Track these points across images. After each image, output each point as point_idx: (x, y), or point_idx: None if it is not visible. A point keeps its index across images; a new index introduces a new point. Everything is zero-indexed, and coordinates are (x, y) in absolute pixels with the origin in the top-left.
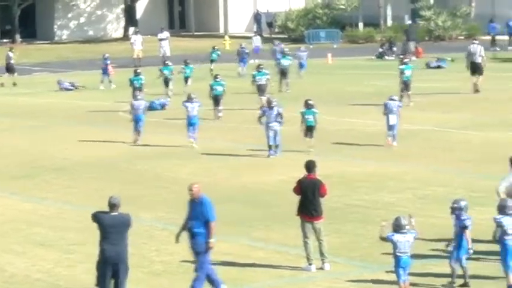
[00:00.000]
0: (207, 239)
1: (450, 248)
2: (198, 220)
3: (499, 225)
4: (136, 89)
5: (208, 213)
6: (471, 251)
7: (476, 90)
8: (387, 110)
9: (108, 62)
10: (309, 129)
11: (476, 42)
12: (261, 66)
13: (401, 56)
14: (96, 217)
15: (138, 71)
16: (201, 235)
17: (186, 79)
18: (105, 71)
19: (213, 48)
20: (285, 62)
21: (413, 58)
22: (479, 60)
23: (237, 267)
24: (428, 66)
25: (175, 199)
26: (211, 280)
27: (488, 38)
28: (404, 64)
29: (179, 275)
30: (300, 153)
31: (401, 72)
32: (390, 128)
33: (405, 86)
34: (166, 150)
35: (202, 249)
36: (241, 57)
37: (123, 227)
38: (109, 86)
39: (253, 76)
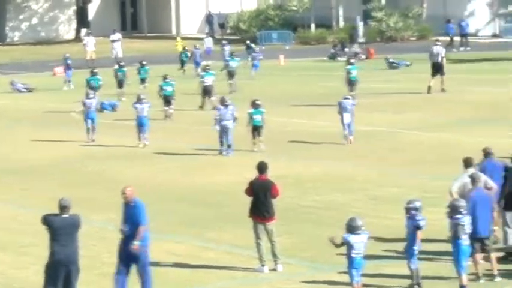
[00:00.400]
0: (142, 242)
1: (406, 249)
2: (131, 224)
3: (458, 224)
4: (93, 89)
5: (140, 216)
6: (415, 252)
7: (443, 90)
8: (341, 109)
9: (69, 62)
10: (256, 129)
11: (439, 43)
12: (208, 67)
13: (349, 57)
14: (46, 220)
15: (95, 71)
16: (133, 239)
17: (142, 80)
18: (67, 71)
19: (183, 49)
20: (233, 63)
21: (362, 57)
22: (440, 60)
23: (188, 268)
24: (388, 62)
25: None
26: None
27: (443, 38)
28: (351, 64)
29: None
30: (252, 154)
31: (348, 72)
32: (345, 126)
33: (351, 86)
34: (117, 151)
35: (135, 253)
36: (195, 58)
37: (73, 229)
38: (69, 86)
39: (201, 77)
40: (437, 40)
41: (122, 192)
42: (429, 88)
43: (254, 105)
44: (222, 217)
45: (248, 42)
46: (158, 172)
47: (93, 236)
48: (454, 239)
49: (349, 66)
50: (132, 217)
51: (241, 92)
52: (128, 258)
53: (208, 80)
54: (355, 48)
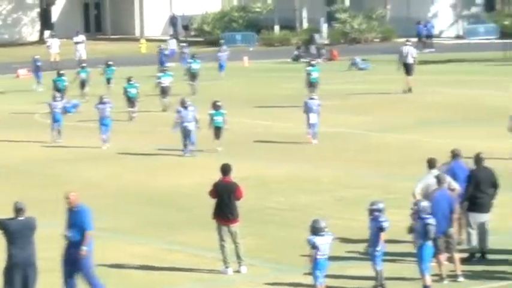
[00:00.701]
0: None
1: (370, 251)
2: (75, 229)
3: (428, 224)
4: (59, 90)
5: (85, 222)
6: (379, 253)
7: (409, 90)
8: (307, 109)
9: (39, 64)
10: (218, 130)
11: (409, 43)
12: (165, 69)
13: (310, 59)
14: (1, 224)
15: (62, 72)
16: (78, 244)
17: (108, 81)
18: (37, 73)
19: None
20: (195, 65)
21: (318, 60)
22: (411, 61)
23: (153, 270)
24: (353, 63)
25: (88, 202)
26: None
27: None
28: (312, 66)
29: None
30: (216, 155)
31: (308, 73)
32: (310, 126)
33: (312, 87)
34: (81, 152)
35: (79, 258)
36: (161, 59)
37: (29, 231)
38: (38, 88)
39: (158, 78)
40: (407, 40)
41: (65, 197)
42: (409, 88)
43: (215, 106)
44: (186, 219)
45: None
46: (122, 173)
47: (53, 238)
48: (424, 239)
49: (309, 68)
50: (76, 222)
51: (205, 94)
52: (72, 263)
53: (166, 81)
54: (313, 50)
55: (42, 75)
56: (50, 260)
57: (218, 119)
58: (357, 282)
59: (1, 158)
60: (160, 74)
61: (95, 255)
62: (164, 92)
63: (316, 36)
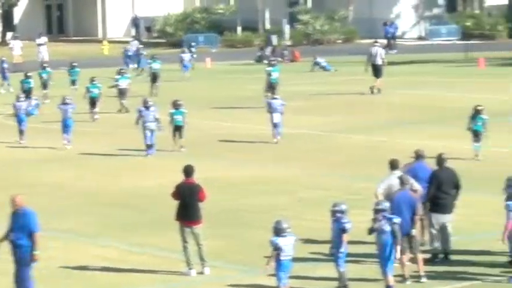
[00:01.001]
0: (31, 251)
1: (333, 252)
2: (21, 232)
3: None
4: (25, 91)
5: (31, 224)
6: (341, 254)
7: (378, 91)
8: (271, 109)
9: (5, 65)
10: (178, 129)
11: (378, 44)
12: (123, 71)
13: (270, 59)
14: None
15: (29, 74)
16: (24, 247)
17: (72, 82)
18: (3, 75)
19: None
20: (155, 65)
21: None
22: (379, 62)
23: (116, 272)
24: (315, 63)
25: (51, 204)
26: None
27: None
28: (272, 66)
29: (63, 279)
30: (180, 157)
31: (268, 74)
32: (274, 125)
33: (272, 88)
34: (43, 153)
35: (26, 262)
36: (125, 60)
37: None
38: (8, 89)
39: (116, 80)
40: (376, 41)
41: (11, 200)
42: (373, 88)
43: (175, 105)
44: (149, 220)
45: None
46: (85, 175)
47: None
48: (392, 238)
49: (269, 68)
50: (22, 225)
51: (167, 95)
52: (17, 263)
53: (123, 84)
54: (269, 51)
55: (9, 76)
56: (4, 261)
57: (178, 118)
58: (320, 283)
59: None
60: (117, 77)
61: (57, 256)
62: (122, 93)
63: (273, 37)
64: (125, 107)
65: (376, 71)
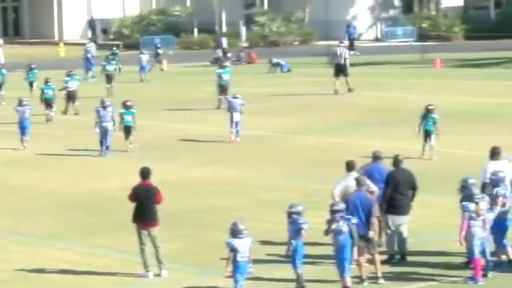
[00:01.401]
0: None
1: (290, 253)
2: None
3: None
4: None
5: None
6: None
7: (349, 90)
8: (231, 108)
9: None
10: (127, 129)
11: (343, 44)
12: (72, 73)
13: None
14: None
15: None
16: None
17: (30, 84)
18: None
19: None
20: (109, 67)
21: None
22: (343, 62)
23: (74, 275)
24: (272, 64)
25: (8, 207)
26: None
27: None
28: (222, 68)
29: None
30: (137, 158)
31: (219, 76)
32: (234, 124)
33: (222, 89)
34: (3, 155)
35: None
36: (85, 63)
37: None
38: None
39: (65, 82)
40: (341, 42)
41: None
42: (336, 90)
43: (125, 106)
44: (106, 223)
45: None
46: (41, 177)
47: None
48: (351, 239)
49: (220, 70)
50: None
51: (123, 96)
52: None
53: (73, 85)
54: (219, 53)
55: None
56: None
57: (128, 118)
58: (277, 285)
59: None
60: (67, 78)
61: (16, 259)
62: (71, 96)
63: (223, 40)
64: (75, 109)
65: (340, 71)
